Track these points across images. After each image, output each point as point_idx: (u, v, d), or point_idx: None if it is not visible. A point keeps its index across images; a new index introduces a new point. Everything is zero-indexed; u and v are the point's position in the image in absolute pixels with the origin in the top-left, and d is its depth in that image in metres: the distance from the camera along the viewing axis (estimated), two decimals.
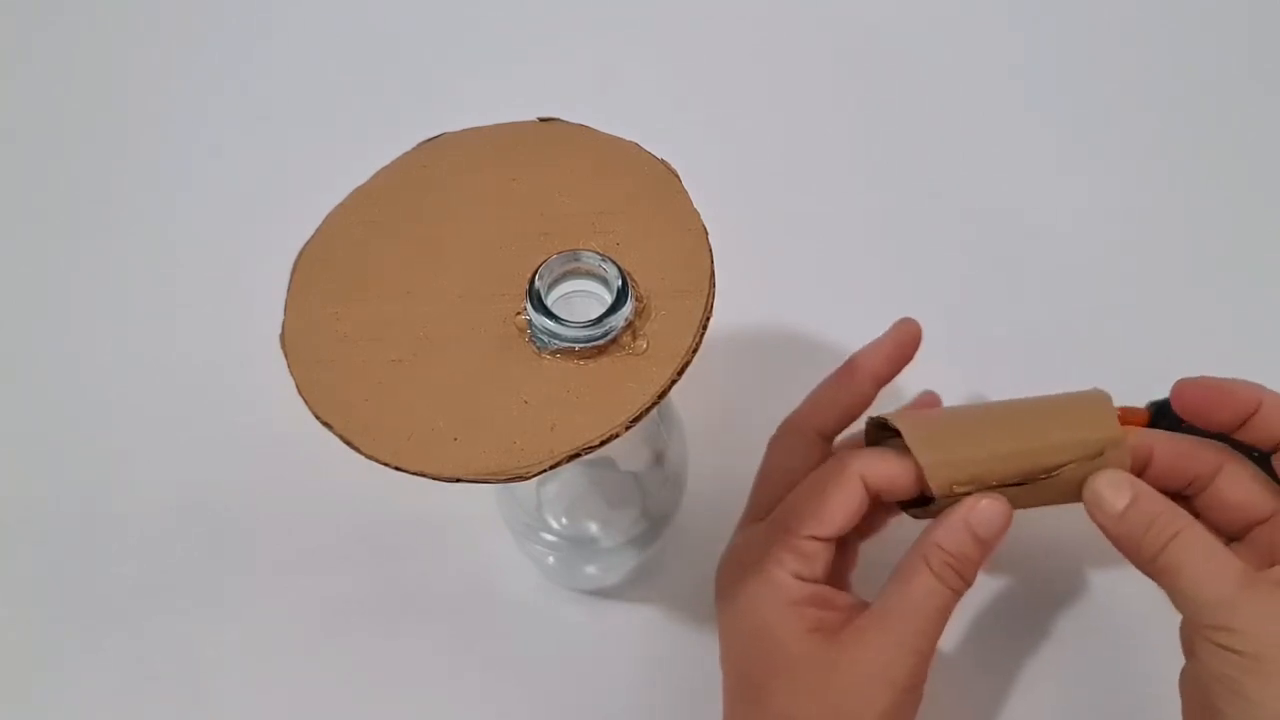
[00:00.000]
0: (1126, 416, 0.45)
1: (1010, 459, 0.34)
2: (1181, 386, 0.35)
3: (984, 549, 0.33)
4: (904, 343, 0.39)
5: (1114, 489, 0.33)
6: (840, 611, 0.35)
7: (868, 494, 0.35)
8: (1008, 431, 0.35)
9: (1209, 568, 0.31)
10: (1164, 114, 0.56)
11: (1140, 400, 0.45)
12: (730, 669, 0.36)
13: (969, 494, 0.34)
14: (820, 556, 0.35)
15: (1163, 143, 0.55)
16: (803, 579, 0.35)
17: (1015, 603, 0.43)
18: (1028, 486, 0.34)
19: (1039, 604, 0.43)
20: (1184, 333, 0.49)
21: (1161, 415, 0.45)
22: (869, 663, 0.32)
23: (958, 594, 0.33)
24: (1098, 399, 0.35)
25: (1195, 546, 0.31)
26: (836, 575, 0.38)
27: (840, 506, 0.35)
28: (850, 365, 0.39)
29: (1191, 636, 0.31)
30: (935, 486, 0.34)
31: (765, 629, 0.34)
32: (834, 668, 0.33)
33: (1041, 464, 0.34)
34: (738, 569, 0.37)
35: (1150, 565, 0.32)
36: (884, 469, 0.35)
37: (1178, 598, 0.31)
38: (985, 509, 0.33)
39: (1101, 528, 0.33)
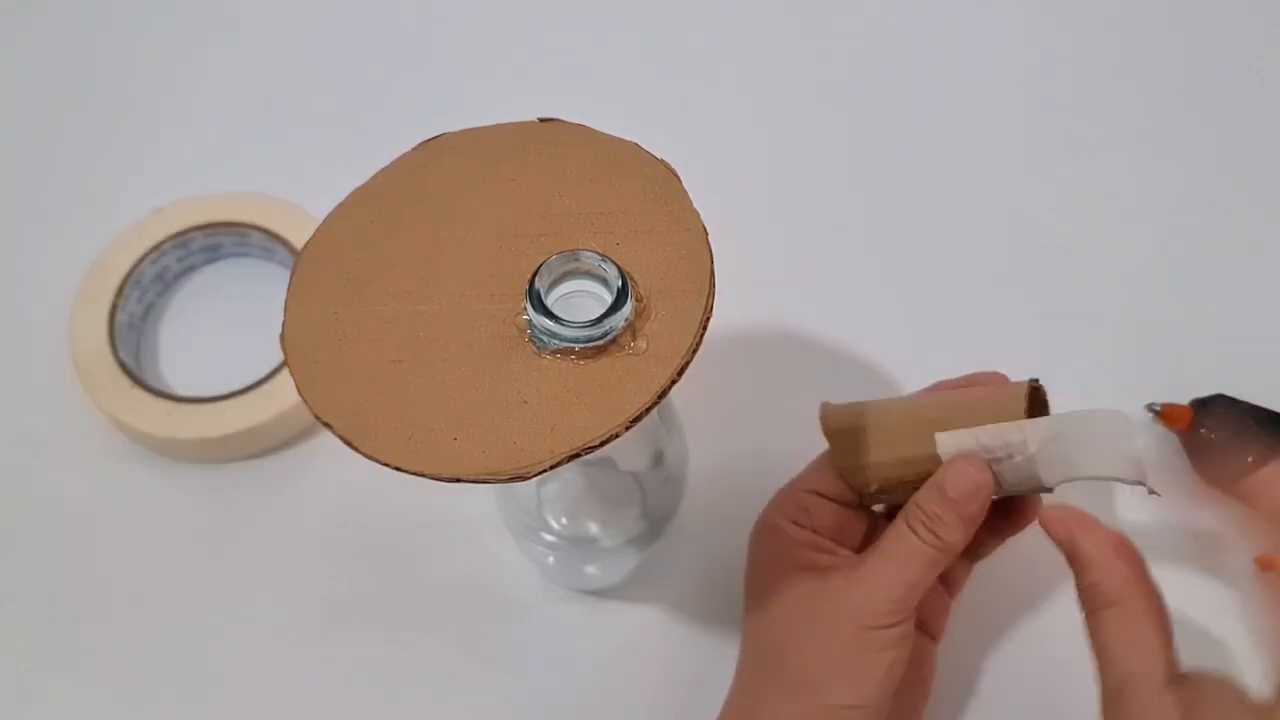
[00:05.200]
0: (1170, 414, 0.45)
1: (914, 464, 0.36)
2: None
3: (955, 508, 0.34)
4: None
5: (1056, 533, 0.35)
6: (833, 557, 0.37)
7: None
8: (913, 435, 0.36)
9: (1119, 652, 0.32)
10: (1170, 105, 0.56)
11: (1184, 397, 0.45)
12: (748, 609, 0.39)
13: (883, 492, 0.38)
14: (819, 509, 0.38)
15: (1175, 138, 0.55)
16: (799, 525, 0.38)
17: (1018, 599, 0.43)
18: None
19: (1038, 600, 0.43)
20: (1221, 330, 0.49)
21: (1206, 413, 0.44)
22: (842, 599, 0.35)
23: (936, 549, 0.35)
24: (1012, 403, 0.35)
25: (1116, 630, 0.32)
26: (850, 540, 0.39)
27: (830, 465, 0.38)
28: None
29: None
30: (854, 488, 0.38)
31: (768, 570, 0.38)
32: (819, 598, 0.36)
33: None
34: (754, 529, 0.40)
35: (1088, 613, 0.33)
36: None
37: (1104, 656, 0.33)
38: (954, 472, 0.35)
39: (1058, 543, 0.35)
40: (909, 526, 0.35)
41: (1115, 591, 0.32)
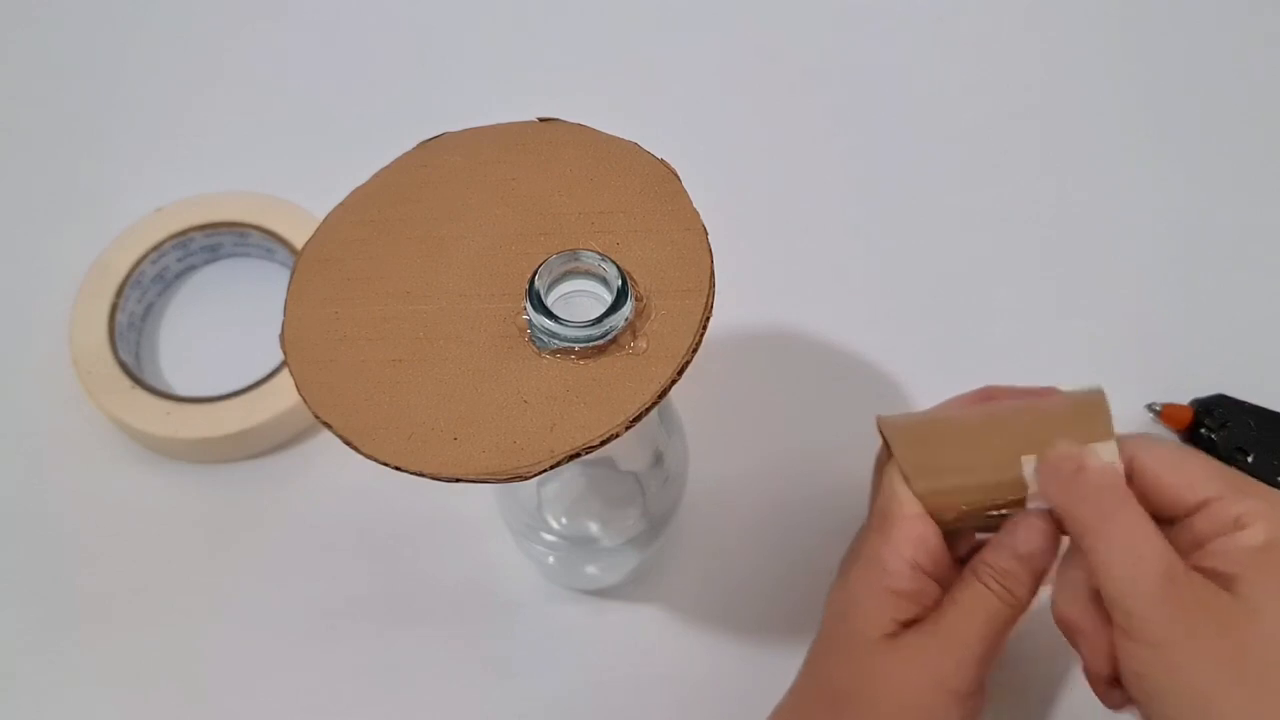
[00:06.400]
0: (1170, 414, 0.45)
1: (998, 489, 0.35)
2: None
3: (1026, 564, 0.34)
4: None
5: (1066, 460, 0.33)
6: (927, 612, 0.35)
7: None
8: (998, 458, 0.35)
9: (1134, 554, 0.31)
10: (1171, 107, 0.56)
11: (1184, 397, 0.45)
12: (816, 650, 0.37)
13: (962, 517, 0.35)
14: (925, 589, 0.35)
15: (1175, 139, 0.55)
16: (919, 567, 0.35)
17: None
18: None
19: None
20: (1212, 324, 0.49)
21: (1206, 412, 0.45)
22: (919, 664, 0.34)
23: (1010, 606, 0.34)
24: (1094, 416, 0.34)
25: (1124, 533, 0.31)
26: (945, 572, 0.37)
27: None
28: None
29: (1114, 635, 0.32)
30: (931, 512, 0.35)
31: (856, 609, 0.35)
32: (895, 652, 0.34)
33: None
34: (850, 558, 0.37)
35: (1082, 541, 0.32)
36: None
37: (1102, 578, 0.32)
38: (1023, 529, 0.34)
39: (1048, 496, 0.34)
40: (981, 582, 0.34)
41: (1120, 499, 0.32)
